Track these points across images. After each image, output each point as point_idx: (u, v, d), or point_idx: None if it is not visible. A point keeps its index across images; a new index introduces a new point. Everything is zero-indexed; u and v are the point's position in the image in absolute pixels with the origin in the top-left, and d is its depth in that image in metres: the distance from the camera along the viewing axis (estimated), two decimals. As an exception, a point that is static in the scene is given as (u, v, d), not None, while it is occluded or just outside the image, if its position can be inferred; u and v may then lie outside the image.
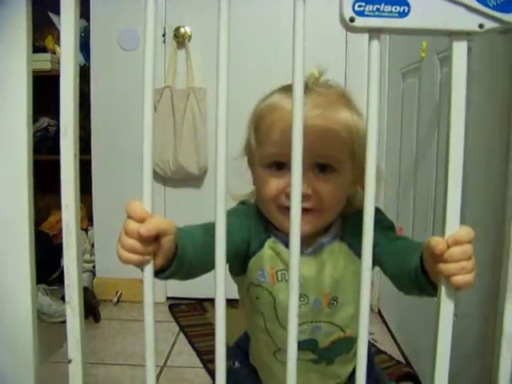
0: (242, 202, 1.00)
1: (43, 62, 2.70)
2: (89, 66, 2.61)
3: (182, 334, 2.29)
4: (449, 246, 0.62)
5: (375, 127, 0.61)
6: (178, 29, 2.54)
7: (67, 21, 0.62)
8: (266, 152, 0.91)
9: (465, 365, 1.34)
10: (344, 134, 0.89)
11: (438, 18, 0.58)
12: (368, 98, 0.60)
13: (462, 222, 0.64)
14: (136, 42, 2.53)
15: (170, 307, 2.59)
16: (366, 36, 0.59)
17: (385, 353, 2.05)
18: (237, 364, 1.12)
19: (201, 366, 1.99)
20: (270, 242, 0.95)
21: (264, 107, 0.94)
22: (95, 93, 2.60)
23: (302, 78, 0.60)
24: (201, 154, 2.51)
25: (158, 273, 0.68)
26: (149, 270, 0.63)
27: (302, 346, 0.98)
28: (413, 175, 1.98)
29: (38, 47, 2.78)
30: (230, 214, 0.95)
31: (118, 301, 2.65)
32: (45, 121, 2.98)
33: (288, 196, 0.88)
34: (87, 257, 2.79)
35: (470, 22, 0.58)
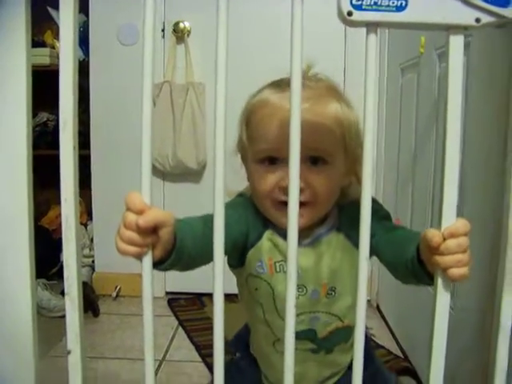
0: (240, 195, 1.00)
1: (42, 56, 2.69)
2: (88, 61, 2.61)
3: (180, 329, 2.30)
4: (445, 239, 0.63)
5: (372, 121, 0.61)
6: (177, 24, 2.53)
7: (66, 16, 0.62)
8: (257, 148, 0.92)
9: (462, 358, 1.34)
10: (334, 127, 0.90)
11: (435, 12, 0.59)
12: (365, 92, 0.60)
13: (460, 216, 0.64)
14: (135, 37, 2.53)
15: (169, 302, 2.60)
16: (365, 31, 0.60)
17: (383, 347, 2.05)
18: (238, 355, 1.13)
19: (199, 360, 1.99)
20: (268, 233, 0.95)
21: (254, 103, 0.95)
22: (94, 88, 2.60)
23: (300, 75, 0.60)
24: (200, 149, 2.52)
25: (157, 264, 0.68)
26: (147, 261, 0.63)
27: (301, 336, 0.98)
28: (411, 171, 1.98)
29: (36, 42, 2.78)
30: (228, 206, 0.95)
31: (117, 295, 2.66)
32: (44, 116, 2.98)
33: (282, 190, 0.89)
34: (86, 251, 2.79)
35: (467, 16, 0.59)
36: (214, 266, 0.63)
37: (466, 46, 1.29)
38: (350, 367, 1.04)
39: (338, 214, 0.98)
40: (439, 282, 0.65)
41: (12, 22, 0.66)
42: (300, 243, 0.94)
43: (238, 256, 0.97)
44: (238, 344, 1.14)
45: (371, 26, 0.59)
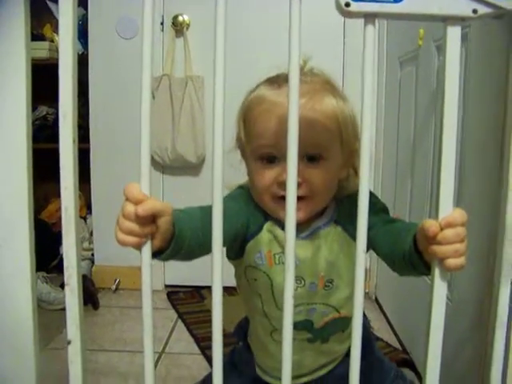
0: (241, 187, 1.01)
1: (41, 50, 2.68)
2: (87, 55, 2.60)
3: (180, 321, 2.30)
4: (442, 229, 0.64)
5: (370, 112, 0.62)
6: (176, 17, 2.53)
7: (65, 9, 0.62)
8: (255, 144, 0.92)
9: (459, 349, 1.35)
10: (330, 121, 0.90)
11: (432, 3, 0.59)
12: (363, 84, 0.61)
13: (458, 207, 0.65)
14: (134, 31, 2.53)
15: (169, 295, 2.61)
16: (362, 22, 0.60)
17: (381, 340, 2.06)
18: (240, 344, 1.15)
19: (199, 352, 2.00)
20: (268, 225, 0.96)
21: (251, 100, 0.95)
22: (93, 81, 2.60)
23: (298, 70, 0.60)
24: (199, 142, 2.52)
25: (156, 254, 0.69)
26: (146, 251, 0.64)
27: (298, 326, 1.00)
28: (410, 164, 1.98)
29: (35, 35, 2.77)
30: (229, 198, 0.96)
31: (116, 288, 2.66)
32: (43, 109, 2.98)
33: (280, 185, 0.89)
34: (86, 245, 2.80)
35: (464, 8, 0.59)
36: (213, 258, 0.64)
37: (464, 37, 1.30)
38: (347, 354, 1.05)
39: (336, 207, 0.99)
40: (436, 271, 0.66)
41: (11, 16, 0.66)
42: (298, 236, 0.95)
43: (237, 247, 0.97)
44: (240, 333, 1.15)
45: (369, 17, 0.60)
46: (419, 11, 0.59)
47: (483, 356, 1.18)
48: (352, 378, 0.66)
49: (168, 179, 2.64)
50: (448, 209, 0.64)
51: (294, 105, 0.60)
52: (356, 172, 0.96)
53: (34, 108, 2.90)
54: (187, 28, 2.54)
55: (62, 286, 2.40)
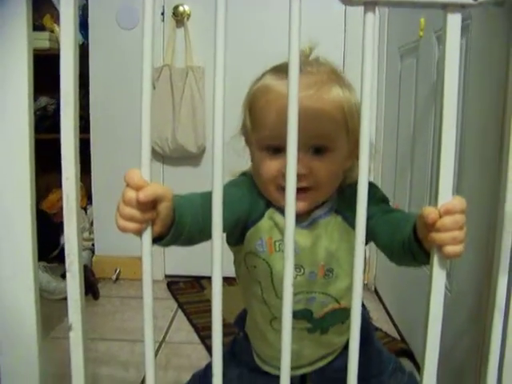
0: (243, 174, 1.01)
1: (41, 40, 2.68)
2: (87, 45, 2.60)
3: (180, 311, 2.31)
4: (441, 216, 0.64)
5: (369, 101, 0.62)
6: (176, 7, 2.52)
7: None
8: (261, 134, 0.93)
9: (458, 339, 1.36)
10: (337, 112, 0.90)
11: (432, -10, 0.59)
12: (362, 72, 0.61)
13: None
14: (135, 21, 2.52)
15: (169, 285, 2.61)
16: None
17: (380, 330, 2.07)
18: (241, 334, 1.16)
19: (198, 341, 2.01)
20: (270, 212, 0.96)
21: (257, 89, 0.95)
22: (94, 72, 2.59)
23: (298, 62, 0.60)
24: (199, 132, 2.52)
25: (157, 240, 0.69)
26: (147, 237, 0.64)
27: (297, 315, 1.00)
28: (410, 155, 1.98)
29: (35, 26, 2.76)
30: (231, 185, 0.97)
31: (116, 278, 2.67)
32: (43, 100, 2.97)
33: (285, 176, 0.89)
34: (86, 235, 2.80)
35: (464, -5, 0.59)
36: (213, 248, 0.64)
37: (465, 28, 1.30)
38: (346, 347, 1.06)
39: (336, 197, 0.99)
40: (435, 260, 0.66)
41: (13, 6, 0.66)
42: (298, 225, 0.95)
43: (238, 234, 0.98)
44: (240, 323, 1.16)
45: (369, 5, 0.59)
46: (419, -1, 0.60)
47: (481, 346, 1.18)
48: (350, 370, 0.67)
49: (168, 170, 2.64)
50: (447, 197, 0.64)
51: (293, 92, 0.60)
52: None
53: (35, 99, 2.88)
54: (188, 18, 2.53)
55: (63, 275, 2.41)
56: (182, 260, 2.65)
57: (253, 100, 0.95)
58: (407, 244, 0.78)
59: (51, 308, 1.92)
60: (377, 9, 0.60)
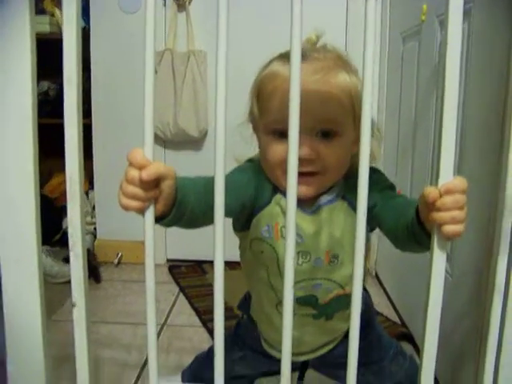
0: (250, 160, 1.02)
1: (42, 24, 2.65)
2: (89, 29, 2.58)
3: (181, 295, 2.32)
4: (441, 195, 0.64)
5: (371, 85, 0.62)
6: (178, -9, 2.51)
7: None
8: (268, 119, 0.93)
9: (458, 321, 1.37)
10: (344, 97, 0.91)
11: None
12: (364, 57, 0.61)
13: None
14: (137, 5, 2.50)
15: (170, 269, 2.62)
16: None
17: (381, 314, 2.08)
18: (245, 317, 1.17)
19: (200, 324, 2.02)
20: (277, 198, 0.97)
21: (264, 76, 0.95)
22: (95, 56, 2.58)
23: (300, 47, 0.60)
24: (201, 117, 2.51)
25: (159, 219, 0.70)
26: (149, 215, 0.65)
27: (302, 301, 1.01)
28: (411, 139, 1.98)
29: (36, 10, 2.73)
30: (238, 170, 0.98)
31: (118, 262, 2.68)
32: (45, 85, 2.96)
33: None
34: (88, 219, 2.81)
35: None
36: (215, 231, 0.64)
37: (467, 12, 1.29)
38: (347, 335, 1.07)
39: (343, 183, 0.99)
40: (435, 241, 0.67)
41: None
42: (304, 211, 0.96)
43: (244, 220, 0.98)
44: (244, 306, 1.17)
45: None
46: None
47: (480, 328, 1.19)
48: (351, 354, 0.68)
49: (170, 154, 2.63)
50: (448, 177, 0.64)
51: (295, 74, 0.60)
52: None
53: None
54: (189, 2, 2.52)
55: (65, 259, 2.42)
56: (184, 244, 2.66)
57: (260, 86, 0.95)
58: (410, 227, 0.78)
59: (53, 291, 1.93)
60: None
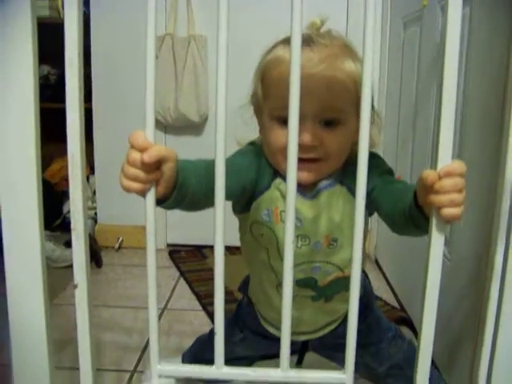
0: (251, 143, 1.02)
1: (41, 8, 2.64)
2: (89, 14, 2.57)
3: (182, 280, 2.33)
4: (440, 178, 0.64)
5: (370, 69, 0.62)
6: (178, -24, 2.49)
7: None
8: (273, 105, 0.93)
9: (457, 305, 1.38)
10: (349, 85, 0.91)
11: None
12: (364, 40, 0.61)
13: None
14: (137, -11, 2.49)
15: (170, 253, 2.64)
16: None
17: (380, 299, 2.09)
18: (245, 298, 1.18)
19: (200, 308, 2.04)
20: (277, 182, 0.97)
21: (269, 60, 0.95)
22: (96, 41, 2.57)
23: (300, 31, 0.61)
24: (201, 101, 2.51)
25: (160, 202, 0.71)
26: (151, 197, 0.65)
27: (302, 283, 1.02)
28: (412, 125, 1.98)
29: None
30: (239, 153, 0.98)
31: (119, 247, 2.69)
32: (45, 69, 2.95)
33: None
34: (89, 204, 2.81)
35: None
36: (215, 213, 0.65)
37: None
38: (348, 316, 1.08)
39: (342, 168, 1.00)
40: (433, 224, 0.67)
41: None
42: (304, 195, 0.97)
43: (244, 202, 0.99)
44: (244, 288, 1.18)
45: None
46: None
47: (479, 310, 1.20)
48: (349, 336, 0.69)
49: (170, 139, 2.63)
50: (447, 160, 0.64)
51: (296, 58, 0.61)
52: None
53: (36, 67, 2.87)
54: (190, -13, 2.50)
55: (66, 244, 2.43)
56: (184, 229, 2.67)
57: (265, 71, 0.96)
58: (408, 210, 0.79)
59: (54, 276, 1.93)
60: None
